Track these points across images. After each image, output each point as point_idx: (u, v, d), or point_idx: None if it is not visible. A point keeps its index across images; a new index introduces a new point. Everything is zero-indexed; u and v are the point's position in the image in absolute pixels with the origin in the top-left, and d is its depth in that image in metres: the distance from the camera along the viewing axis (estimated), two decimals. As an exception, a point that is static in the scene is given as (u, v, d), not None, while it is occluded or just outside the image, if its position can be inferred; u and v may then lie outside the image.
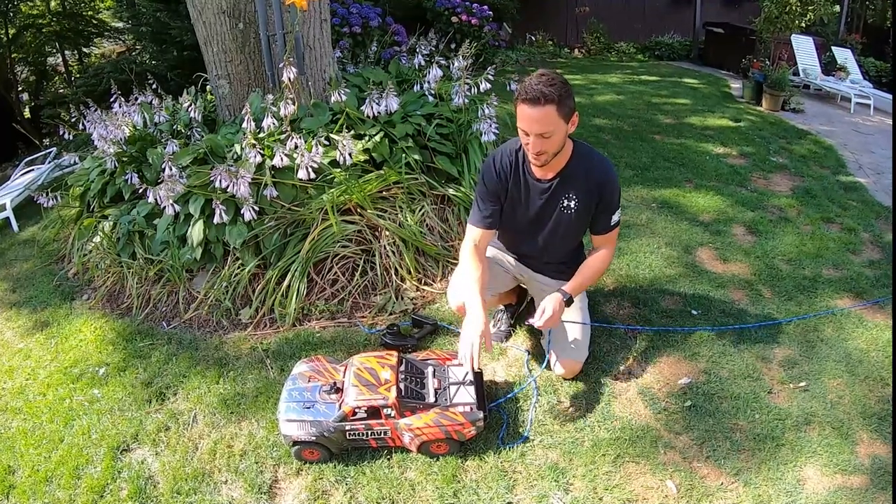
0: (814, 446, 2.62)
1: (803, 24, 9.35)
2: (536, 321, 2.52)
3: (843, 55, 11.05)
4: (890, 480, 2.53)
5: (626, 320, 3.25)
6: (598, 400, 2.76)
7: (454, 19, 8.27)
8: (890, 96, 10.05)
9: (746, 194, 4.74)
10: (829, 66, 10.98)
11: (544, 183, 2.54)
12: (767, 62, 9.13)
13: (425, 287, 3.49)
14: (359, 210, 3.53)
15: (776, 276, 3.70)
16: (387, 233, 3.51)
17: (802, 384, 2.94)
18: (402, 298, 3.40)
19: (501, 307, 3.16)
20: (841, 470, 2.53)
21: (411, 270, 3.48)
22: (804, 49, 10.30)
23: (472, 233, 2.63)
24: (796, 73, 9.97)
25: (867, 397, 2.91)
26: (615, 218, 2.61)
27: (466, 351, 2.39)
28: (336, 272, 3.43)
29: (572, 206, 2.56)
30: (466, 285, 2.54)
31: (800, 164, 5.55)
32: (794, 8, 8.93)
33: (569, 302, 2.59)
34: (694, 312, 3.32)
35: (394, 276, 3.46)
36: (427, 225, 3.69)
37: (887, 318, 3.50)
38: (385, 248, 3.49)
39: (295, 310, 3.28)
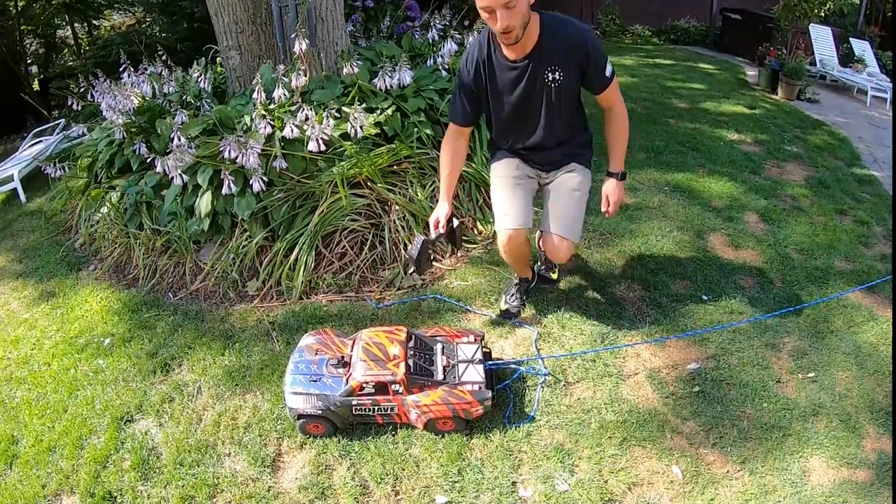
0: (820, 438, 2.61)
1: (822, 14, 9.21)
2: (605, 208, 2.68)
3: (861, 47, 10.93)
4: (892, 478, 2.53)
5: (636, 303, 3.23)
6: (606, 382, 2.75)
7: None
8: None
9: (760, 182, 4.70)
10: (847, 58, 10.85)
11: (520, 63, 2.45)
12: (784, 51, 9.02)
13: (435, 263, 3.47)
14: (369, 184, 3.50)
15: (788, 266, 3.67)
16: (396, 207, 3.49)
17: (811, 375, 2.92)
18: (412, 274, 3.38)
19: (516, 280, 3.10)
20: (847, 463, 2.52)
21: None
22: (822, 39, 10.19)
23: (450, 129, 2.73)
24: (813, 64, 9.86)
25: (875, 392, 2.89)
26: (608, 70, 2.51)
27: (431, 221, 2.69)
28: (344, 246, 3.42)
29: (558, 77, 2.47)
30: (440, 179, 2.75)
31: (814, 154, 5.49)
32: (813, -3, 8.81)
33: (622, 177, 2.70)
34: (704, 298, 3.29)
35: (402, 250, 3.44)
36: (437, 200, 3.65)
37: (899, 313, 3.47)
38: (394, 223, 3.47)
39: (302, 283, 3.27)
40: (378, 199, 3.52)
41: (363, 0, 5.49)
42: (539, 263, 3.29)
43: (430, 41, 4.46)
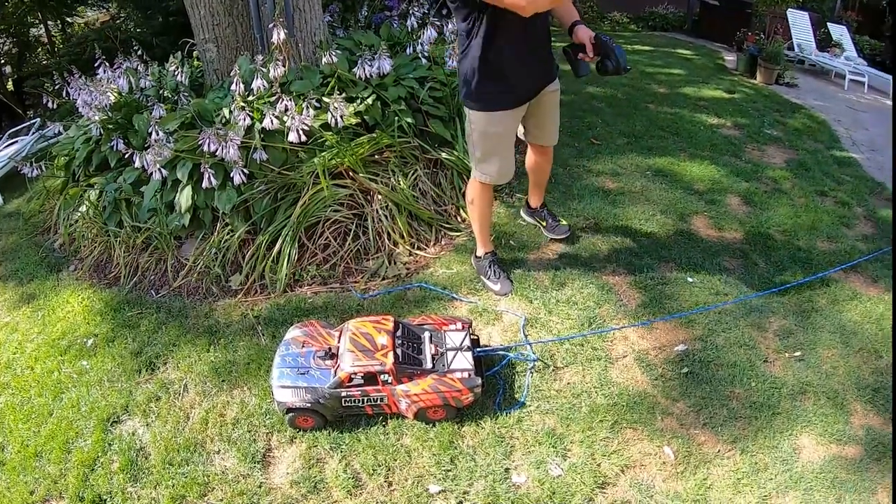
0: (809, 416, 2.63)
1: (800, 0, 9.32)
2: (591, 53, 2.50)
3: (839, 32, 11.01)
4: (884, 452, 2.54)
5: (622, 286, 3.23)
6: (595, 366, 2.75)
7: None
8: (885, 75, 10.07)
9: (741, 165, 4.72)
10: (824, 43, 10.93)
11: None
12: (762, 36, 9.07)
13: (418, 251, 3.46)
14: (350, 174, 3.47)
15: (771, 247, 3.69)
16: (379, 197, 3.47)
17: (798, 354, 2.95)
18: (395, 263, 3.36)
19: (488, 259, 3.17)
20: (836, 440, 2.54)
21: (404, 235, 3.45)
22: (800, 24, 10.26)
23: None
24: (791, 48, 9.93)
25: (861, 369, 2.92)
26: None
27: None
28: (328, 237, 3.39)
29: None
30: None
31: (794, 137, 5.53)
32: (791, -19, 8.91)
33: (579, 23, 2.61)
34: (690, 280, 3.30)
35: (386, 240, 3.42)
36: (420, 189, 3.65)
37: (881, 292, 3.50)
38: (377, 213, 3.45)
39: (286, 275, 3.24)
40: (360, 188, 3.49)
41: None
42: (545, 222, 3.48)
43: (409, 29, 4.43)
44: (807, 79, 8.96)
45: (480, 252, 3.21)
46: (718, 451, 2.46)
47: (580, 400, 2.61)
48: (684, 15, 12.82)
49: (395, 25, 4.74)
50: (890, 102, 9.24)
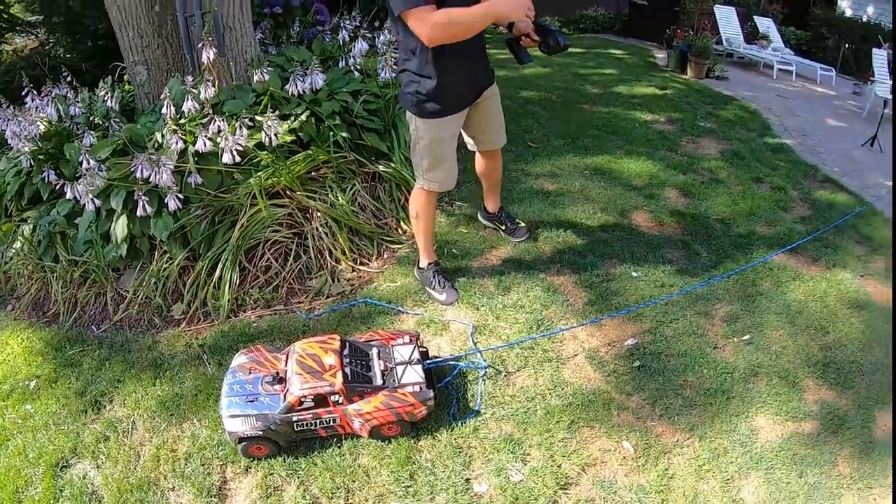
0: (763, 396, 2.69)
1: None
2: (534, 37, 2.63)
3: (766, 24, 11.39)
4: (839, 424, 2.62)
5: (568, 286, 3.23)
6: (547, 367, 2.74)
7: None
8: (812, 63, 10.44)
9: (677, 158, 4.80)
10: (752, 35, 11.29)
11: None
12: (691, 32, 9.31)
13: (361, 267, 3.41)
14: (288, 192, 3.41)
15: (712, 236, 3.76)
16: (318, 214, 3.41)
17: (746, 337, 3.00)
18: (339, 280, 3.31)
19: (432, 270, 3.17)
20: (791, 417, 2.60)
21: (346, 251, 3.40)
22: (727, 19, 10.57)
23: (432, 9, 2.35)
24: (719, 43, 10.21)
25: (809, 346, 3.00)
26: None
27: (523, 2, 2.40)
28: (269, 258, 3.31)
29: None
30: (469, 9, 2.41)
31: (727, 128, 5.67)
32: (716, -22, 9.19)
33: None
34: (634, 274, 3.34)
35: (328, 257, 3.37)
36: (359, 203, 3.60)
37: (822, 270, 3.61)
38: (317, 230, 3.39)
39: (229, 301, 3.16)
40: (299, 207, 3.43)
41: (271, 6, 5.38)
42: (504, 226, 3.54)
43: (342, 43, 4.39)
44: (736, 71, 9.22)
45: (424, 263, 3.19)
46: (677, 440, 2.48)
47: (535, 403, 2.59)
48: (614, 16, 13.09)
49: (327, 40, 4.71)
50: (818, 88, 9.58)
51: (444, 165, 2.85)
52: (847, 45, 13.00)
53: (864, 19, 14.46)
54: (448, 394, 2.63)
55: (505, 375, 2.72)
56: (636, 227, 3.80)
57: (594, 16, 13.14)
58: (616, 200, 4.04)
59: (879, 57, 9.31)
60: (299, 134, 3.55)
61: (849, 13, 15.40)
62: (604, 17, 13.16)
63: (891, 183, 5.44)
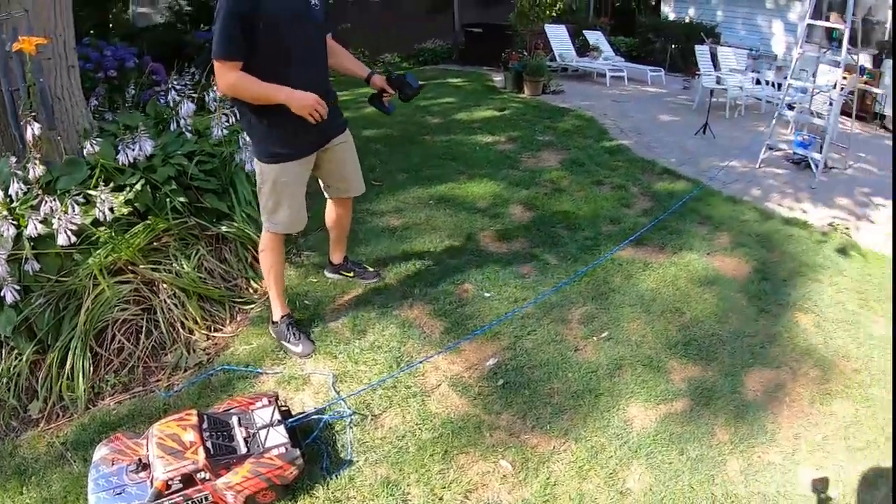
0: (631, 387, 2.89)
1: (554, 14, 10.33)
2: (390, 89, 3.05)
3: (595, 37, 12.38)
4: (710, 395, 2.87)
5: (423, 318, 3.35)
6: (412, 403, 2.82)
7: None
8: (642, 67, 11.39)
9: (519, 175, 5.09)
10: (584, 48, 12.20)
11: None
12: (525, 53, 9.94)
13: (216, 334, 3.38)
14: (131, 267, 3.35)
15: (559, 243, 4.01)
16: (165, 286, 3.36)
17: (605, 334, 3.22)
18: (195, 351, 3.26)
19: (285, 322, 3.22)
20: (662, 400, 2.82)
21: (198, 320, 3.36)
22: (558, 36, 11.38)
23: (233, 67, 2.62)
24: (553, 59, 10.96)
25: (668, 329, 3.27)
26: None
27: (310, 101, 2.62)
28: (120, 340, 3.22)
29: (318, 3, 2.79)
30: (265, 84, 2.63)
31: (565, 138, 6.07)
32: (543, 1, 9.85)
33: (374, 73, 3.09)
34: (487, 295, 3.50)
35: (181, 329, 3.31)
36: (206, 268, 3.58)
37: (669, 256, 3.93)
38: (166, 303, 3.34)
39: (85, 391, 3.03)
40: (144, 281, 3.36)
41: (105, 70, 5.27)
42: (352, 273, 3.63)
43: (172, 104, 4.37)
44: (572, 84, 9.90)
45: (277, 316, 3.23)
46: (553, 447, 2.61)
47: (406, 441, 2.65)
48: (451, 46, 13.80)
49: (161, 101, 4.66)
50: (650, 89, 10.44)
51: (287, 209, 2.95)
52: (673, 46, 14.30)
53: (687, 20, 15.97)
54: (318, 448, 2.64)
55: (372, 419, 2.76)
56: (484, 248, 4.00)
57: (432, 48, 13.81)
58: (462, 225, 4.24)
59: (702, 52, 10.31)
60: (136, 204, 3.50)
61: (672, 17, 16.97)
62: (442, 48, 13.86)
63: (724, 163, 6.02)
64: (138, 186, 3.53)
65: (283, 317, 3.21)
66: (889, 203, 5.76)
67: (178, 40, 8.68)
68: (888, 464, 2.63)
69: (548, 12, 10.12)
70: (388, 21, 14.46)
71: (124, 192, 3.49)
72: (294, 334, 3.17)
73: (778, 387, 2.99)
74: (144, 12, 13.73)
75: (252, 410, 2.58)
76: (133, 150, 3.58)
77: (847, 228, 4.90)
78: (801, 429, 2.77)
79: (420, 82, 3.02)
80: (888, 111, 11.12)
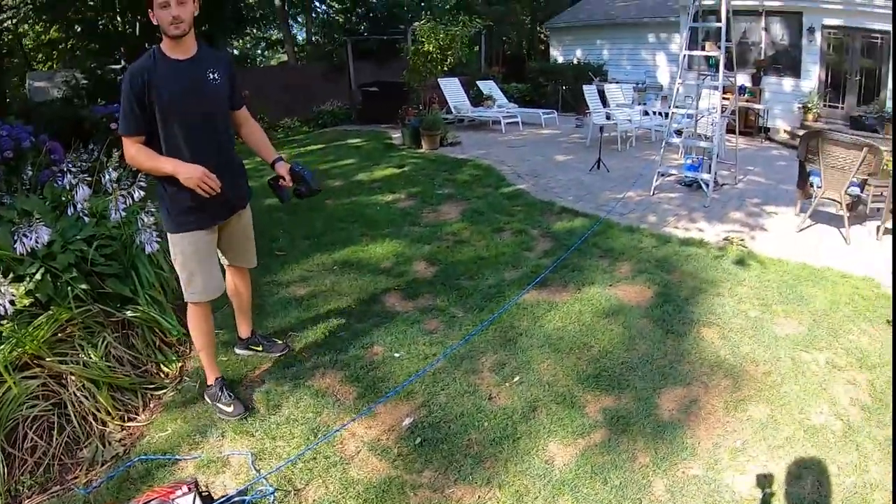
0: (548, 426, 2.97)
1: (446, 68, 10.68)
2: (290, 182, 3.11)
3: (488, 86, 12.87)
4: (626, 422, 2.98)
5: (334, 386, 3.36)
6: (334, 472, 2.82)
7: (113, 125, 7.90)
8: (534, 110, 11.86)
9: (420, 231, 5.21)
10: (478, 98, 12.63)
11: (186, 61, 2.86)
12: (421, 108, 10.21)
13: (130, 423, 3.29)
14: (37, 361, 3.24)
15: (464, 295, 4.12)
16: (73, 378, 3.27)
17: (517, 379, 3.31)
18: (111, 443, 3.17)
19: (218, 385, 3.26)
20: (580, 434, 2.91)
21: (110, 411, 3.27)
22: (451, 89, 11.76)
23: (134, 141, 2.83)
24: (449, 112, 11.30)
25: (578, 364, 3.39)
26: (240, 93, 3.16)
27: (196, 173, 2.75)
28: (32, 438, 3.09)
29: (217, 77, 2.93)
30: (158, 157, 2.82)
31: (464, 189, 6.25)
32: (434, 56, 10.18)
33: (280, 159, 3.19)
34: (397, 355, 3.56)
35: (94, 422, 3.22)
36: (114, 357, 3.50)
37: (573, 293, 4.08)
38: (76, 395, 3.23)
39: (1, 495, 2.90)
40: (51, 374, 3.26)
41: (1, 151, 5.10)
42: (261, 347, 3.64)
43: (68, 187, 4.27)
44: (468, 134, 10.20)
45: (210, 380, 3.28)
46: (478, 497, 2.64)
47: (330, 512, 2.65)
48: (350, 106, 14.04)
49: (59, 183, 4.54)
50: (545, 131, 10.85)
51: (200, 277, 3.05)
52: (564, 87, 15.01)
53: (575, 62, 16.79)
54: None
55: (295, 493, 2.74)
56: (391, 308, 4.07)
57: (331, 110, 14.04)
58: (367, 288, 4.30)
59: (590, 91, 10.83)
60: (37, 295, 3.41)
61: (561, 59, 17.84)
62: (340, 108, 14.12)
63: (620, 195, 6.31)
64: (38, 276, 3.45)
65: (216, 380, 3.28)
66: (781, 209, 6.17)
67: (76, 115, 8.65)
68: (811, 454, 2.80)
69: (440, 67, 10.47)
70: (287, 85, 14.72)
71: (24, 283, 3.40)
72: (227, 395, 3.22)
73: (692, 402, 3.14)
74: (41, 86, 13.50)
75: (172, 500, 2.53)
76: (28, 238, 3.51)
77: (742, 240, 5.23)
78: (720, 438, 2.90)
79: (318, 186, 3.15)
80: (770, 124, 11.97)
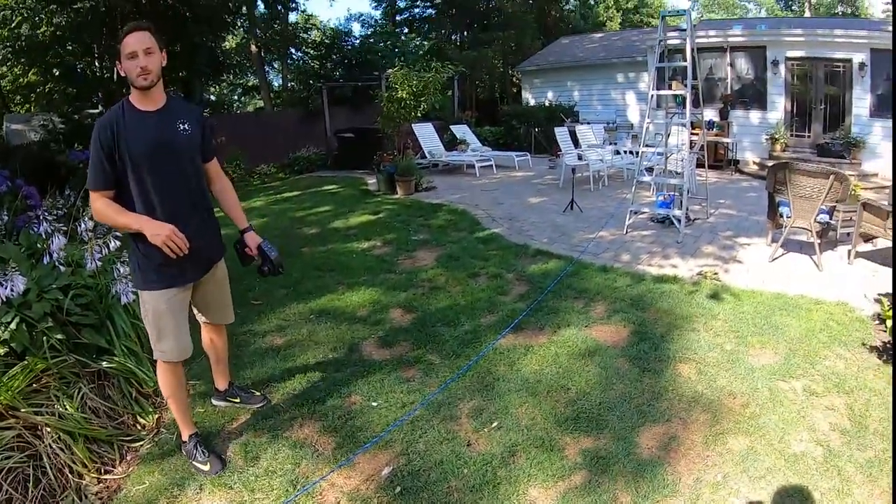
0: (527, 470, 2.99)
1: (419, 114, 10.87)
2: (257, 255, 3.20)
3: (461, 131, 13.09)
4: (606, 462, 3.01)
5: (313, 437, 3.36)
6: (311, 525, 2.82)
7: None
8: (508, 153, 12.05)
9: (396, 278, 5.26)
10: (452, 142, 12.83)
11: (154, 112, 2.87)
12: (396, 153, 10.35)
13: (106, 476, 3.26)
14: (11, 412, 3.22)
15: (440, 342, 4.17)
16: (49, 429, 3.24)
17: (495, 424, 3.33)
18: (87, 497, 3.13)
19: (193, 441, 3.24)
20: (560, 477, 2.93)
21: (87, 463, 3.25)
22: (426, 134, 11.95)
23: (102, 196, 2.82)
24: (423, 157, 11.46)
25: (556, 407, 3.42)
26: (212, 143, 3.19)
27: (164, 231, 2.73)
28: (7, 490, 3.05)
29: (188, 127, 2.94)
30: (125, 213, 2.81)
31: (439, 234, 6.33)
32: (408, 103, 10.36)
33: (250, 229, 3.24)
34: (375, 404, 3.58)
35: (70, 475, 3.18)
36: (90, 408, 3.48)
37: (549, 336, 4.13)
38: (52, 447, 3.20)
39: None
40: (26, 426, 3.23)
41: None
42: (238, 399, 3.63)
43: (44, 235, 4.26)
44: (443, 178, 10.34)
45: (185, 436, 3.24)
46: (459, 545, 2.66)
47: (312, 566, 2.65)
48: (326, 153, 14.20)
49: (35, 230, 4.52)
50: (518, 173, 11.01)
51: (170, 336, 3.01)
52: (536, 129, 15.29)
53: (547, 104, 17.14)
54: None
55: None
56: (368, 357, 4.10)
57: (307, 156, 14.20)
58: (344, 337, 4.33)
59: (562, 133, 11.07)
60: (12, 344, 3.40)
61: (532, 102, 18.19)
62: (316, 155, 14.28)
63: (593, 234, 6.42)
64: (13, 325, 3.45)
65: (190, 436, 3.24)
66: (753, 240, 6.30)
67: (52, 160, 8.67)
68: (793, 482, 2.84)
69: (413, 113, 10.66)
70: (263, 132, 14.88)
71: (-1, 332, 3.40)
72: (203, 453, 3.18)
73: (671, 438, 3.18)
74: (18, 129, 13.50)
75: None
76: (4, 287, 3.51)
77: (716, 273, 5.33)
78: (701, 472, 2.94)
79: (282, 270, 3.23)
80: (739, 156, 12.27)
